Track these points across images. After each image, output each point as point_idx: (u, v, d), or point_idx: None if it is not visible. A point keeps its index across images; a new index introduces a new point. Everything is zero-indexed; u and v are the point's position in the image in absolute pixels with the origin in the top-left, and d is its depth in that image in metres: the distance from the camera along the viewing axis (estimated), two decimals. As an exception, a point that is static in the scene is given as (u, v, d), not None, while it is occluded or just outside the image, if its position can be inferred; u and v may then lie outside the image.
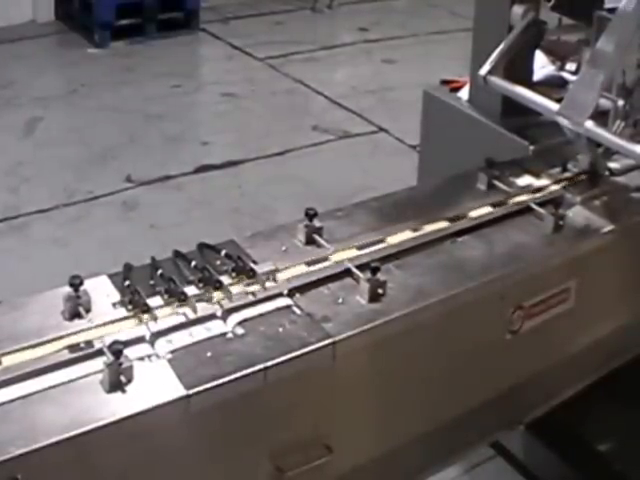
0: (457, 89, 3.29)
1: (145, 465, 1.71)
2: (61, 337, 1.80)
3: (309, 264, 2.08)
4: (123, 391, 1.70)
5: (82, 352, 1.77)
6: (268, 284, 1.98)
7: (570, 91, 2.67)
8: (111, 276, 1.99)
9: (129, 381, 1.71)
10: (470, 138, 3.10)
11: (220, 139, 6.08)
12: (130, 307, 1.88)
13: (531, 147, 2.85)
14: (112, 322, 1.85)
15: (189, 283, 1.95)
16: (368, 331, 1.93)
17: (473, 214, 2.32)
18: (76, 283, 1.87)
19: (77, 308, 1.86)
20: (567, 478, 3.11)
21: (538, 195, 2.44)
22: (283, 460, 1.87)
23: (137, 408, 1.66)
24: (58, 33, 7.77)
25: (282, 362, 1.81)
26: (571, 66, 3.35)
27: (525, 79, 2.90)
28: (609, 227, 2.38)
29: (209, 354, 1.80)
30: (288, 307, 1.96)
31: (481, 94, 3.03)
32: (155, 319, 1.86)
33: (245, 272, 1.99)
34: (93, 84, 6.77)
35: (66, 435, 1.59)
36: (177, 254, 2.05)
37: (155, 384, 1.72)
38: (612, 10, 2.55)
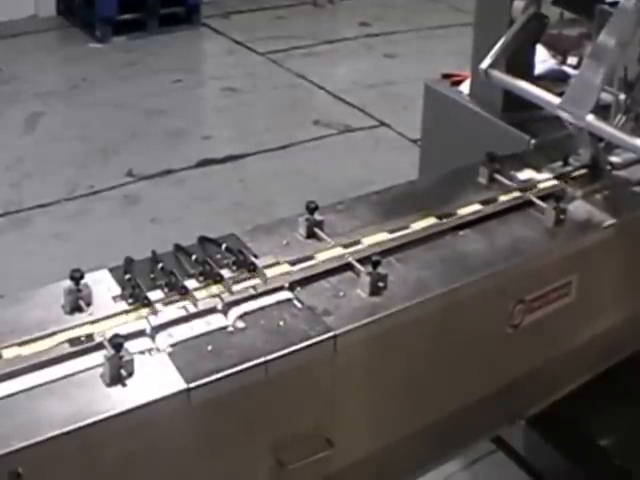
0: (458, 83, 3.30)
1: (146, 458, 1.71)
2: (62, 331, 1.80)
3: (310, 258, 2.08)
4: (124, 385, 1.70)
5: (83, 346, 1.76)
6: (269, 278, 1.98)
7: (571, 85, 2.67)
8: (112, 270, 1.99)
9: (130, 375, 1.71)
10: (471, 132, 3.09)
11: (221, 133, 6.08)
12: (131, 301, 1.88)
13: (532, 141, 2.85)
14: (113, 316, 1.85)
15: (190, 277, 1.95)
16: (369, 325, 1.93)
17: (474, 208, 2.32)
18: (77, 277, 1.87)
19: (78, 302, 1.87)
20: (568, 472, 3.12)
21: (539, 189, 2.43)
22: (284, 453, 1.87)
23: (138, 401, 1.66)
24: (60, 28, 7.78)
25: (283, 356, 1.81)
26: (572, 60, 3.35)
27: (526, 73, 2.89)
28: (610, 221, 2.38)
29: (210, 348, 1.80)
30: (289, 300, 1.96)
31: (482, 88, 3.02)
32: (156, 313, 1.85)
33: (246, 266, 1.99)
34: (94, 79, 6.78)
35: (67, 429, 1.59)
36: (178, 248, 2.05)
37: (156, 378, 1.72)
38: (613, 4, 2.55)
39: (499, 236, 2.26)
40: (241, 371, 1.76)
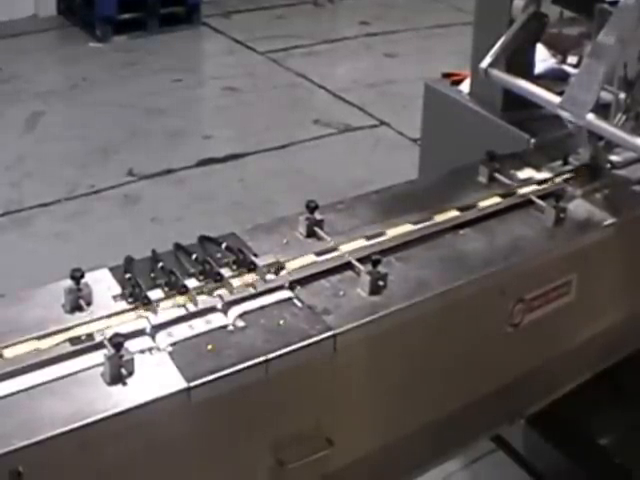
0: (458, 82, 3.29)
1: (146, 457, 1.71)
2: (62, 330, 1.80)
3: (310, 257, 2.08)
4: (124, 384, 1.70)
5: (83, 345, 1.77)
6: (269, 277, 1.98)
7: (571, 84, 2.67)
8: (112, 269, 1.99)
9: (130, 374, 1.71)
10: (471, 131, 3.09)
11: (222, 133, 6.08)
12: (131, 300, 1.88)
13: (532, 140, 2.85)
14: (113, 315, 1.85)
15: (190, 276, 1.95)
16: (369, 324, 1.93)
17: (474, 207, 2.32)
18: (77, 276, 1.87)
19: (78, 301, 1.86)
20: (567, 471, 3.12)
21: (539, 188, 2.43)
22: (284, 453, 1.87)
23: (138, 401, 1.66)
24: (60, 28, 7.78)
25: (283, 354, 1.81)
26: (572, 59, 3.35)
27: (526, 72, 2.89)
28: (610, 220, 2.38)
29: (210, 347, 1.80)
30: (289, 300, 1.96)
31: (482, 87, 3.02)
32: (156, 312, 1.85)
33: (246, 265, 1.99)
34: (95, 79, 6.78)
35: (67, 428, 1.59)
36: (178, 247, 2.05)
37: (156, 377, 1.72)
38: (613, 3, 2.55)
39: (499, 235, 2.26)
40: (241, 370, 1.76)
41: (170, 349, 1.79)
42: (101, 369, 1.71)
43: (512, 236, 2.27)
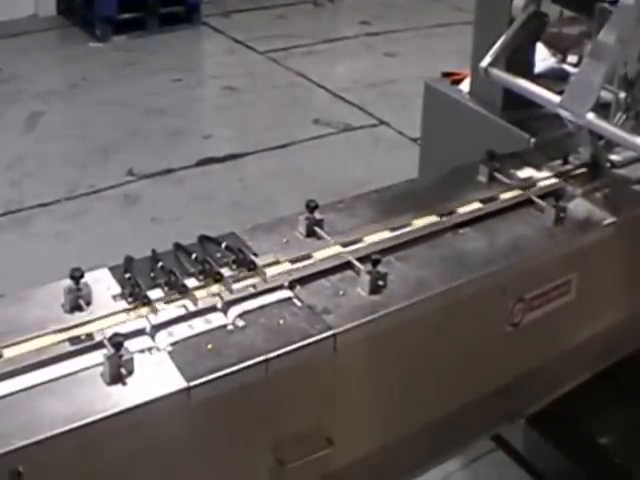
0: (458, 82, 3.29)
1: (146, 457, 1.71)
2: (62, 330, 1.80)
3: (310, 256, 2.07)
4: (124, 383, 1.70)
5: (83, 344, 1.76)
6: (269, 276, 1.98)
7: (571, 83, 2.67)
8: (112, 269, 1.99)
9: (129, 373, 1.71)
10: (471, 130, 3.09)
11: (221, 132, 6.08)
12: (130, 300, 1.88)
13: (532, 139, 2.85)
14: (112, 314, 1.85)
15: (190, 275, 1.95)
16: (369, 323, 1.93)
17: (474, 206, 2.32)
18: (77, 276, 1.86)
19: (78, 301, 1.86)
20: (567, 471, 3.12)
21: (539, 187, 2.43)
22: (284, 452, 1.87)
23: (138, 400, 1.66)
24: (60, 27, 7.78)
25: (283, 354, 1.80)
26: (572, 58, 3.35)
27: (526, 71, 2.89)
28: (610, 219, 2.38)
29: (210, 346, 1.80)
30: (289, 299, 1.96)
31: (482, 86, 3.02)
32: (155, 311, 1.85)
33: (246, 264, 1.99)
34: (95, 78, 6.78)
35: (67, 427, 1.59)
36: (178, 247, 2.05)
37: (156, 376, 1.72)
38: (614, 2, 2.55)
39: (499, 234, 2.26)
40: (241, 369, 1.76)
41: (170, 349, 1.79)
42: (101, 369, 1.71)
43: (512, 235, 2.27)
